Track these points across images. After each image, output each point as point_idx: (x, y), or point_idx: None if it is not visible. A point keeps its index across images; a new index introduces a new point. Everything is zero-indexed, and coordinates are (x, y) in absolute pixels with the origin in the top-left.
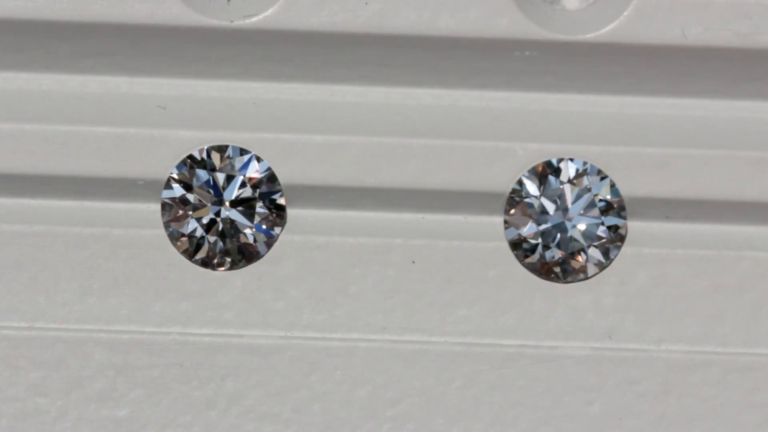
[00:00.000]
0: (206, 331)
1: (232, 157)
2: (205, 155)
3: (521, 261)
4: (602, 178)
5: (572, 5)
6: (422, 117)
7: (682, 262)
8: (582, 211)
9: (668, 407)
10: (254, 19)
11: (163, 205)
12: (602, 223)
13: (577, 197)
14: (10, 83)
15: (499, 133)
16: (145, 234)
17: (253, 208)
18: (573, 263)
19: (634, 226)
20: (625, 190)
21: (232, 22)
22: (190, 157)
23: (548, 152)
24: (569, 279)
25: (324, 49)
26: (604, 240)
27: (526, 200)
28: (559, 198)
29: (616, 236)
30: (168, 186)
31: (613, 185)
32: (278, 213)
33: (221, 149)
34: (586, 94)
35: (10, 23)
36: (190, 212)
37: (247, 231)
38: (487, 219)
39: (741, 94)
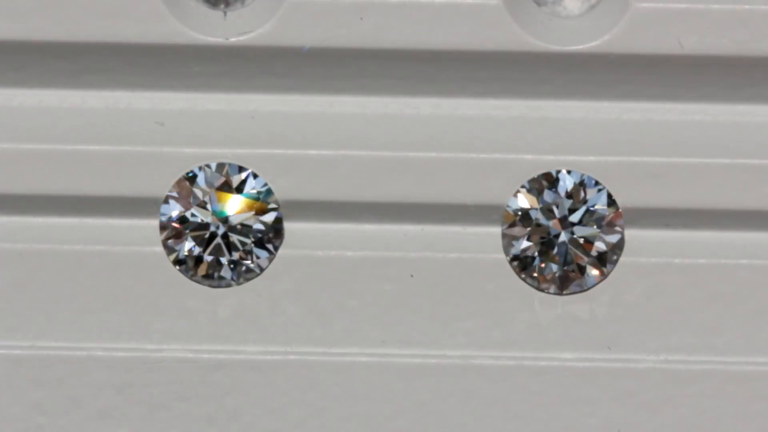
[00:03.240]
0: (205, 348)
1: (229, 174)
2: (202, 173)
3: (519, 273)
4: (599, 190)
5: (572, 4)
6: (419, 130)
7: (680, 271)
8: (579, 222)
9: (667, 418)
10: (250, 35)
11: (162, 223)
12: (600, 234)
13: (575, 209)
14: (9, 100)
15: (497, 144)
16: (144, 252)
17: (251, 224)
18: (571, 275)
19: (631, 236)
20: (622, 199)
21: (227, 39)
22: (188, 174)
23: (546, 163)
24: (567, 291)
25: (320, 64)
26: (601, 251)
27: (524, 212)
28: (556, 209)
29: (614, 247)
30: (166, 203)
31: (610, 196)
32: (276, 228)
33: (219, 167)
34: (583, 105)
35: (9, 45)
36: (188, 230)
37: (245, 247)
38: (486, 231)
39: (738, 102)
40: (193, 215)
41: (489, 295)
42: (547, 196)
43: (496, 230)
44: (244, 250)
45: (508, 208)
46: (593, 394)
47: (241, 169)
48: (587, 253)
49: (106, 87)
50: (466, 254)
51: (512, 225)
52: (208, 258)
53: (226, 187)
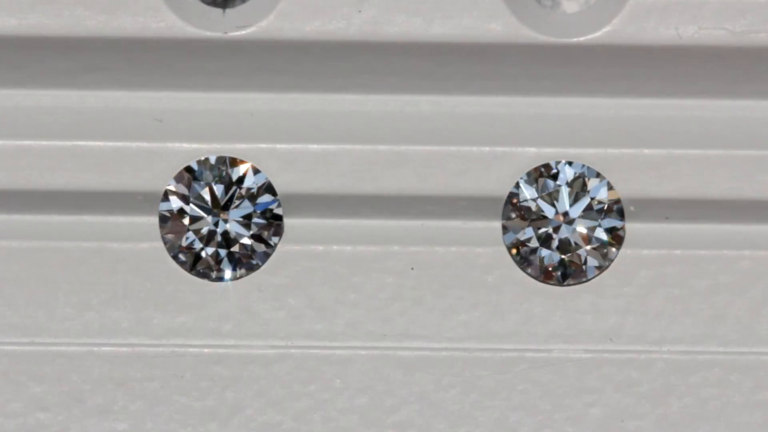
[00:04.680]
0: (206, 343)
1: (228, 169)
2: (201, 167)
3: (520, 265)
4: (600, 181)
5: (572, 8)
6: (419, 123)
7: (682, 262)
8: (580, 214)
9: (670, 408)
10: (249, 30)
11: (161, 218)
12: (601, 226)
13: (575, 200)
14: (8, 100)
15: (496, 137)
16: (143, 247)
17: (251, 218)
18: (572, 266)
19: (632, 228)
20: (623, 191)
21: (226, 33)
22: (187, 169)
23: (546, 155)
24: (568, 282)
25: (319, 58)
26: (602, 242)
27: (525, 204)
28: (557, 201)
29: (615, 238)
30: (165, 199)
31: (611, 187)
32: (276, 223)
33: (218, 161)
34: (583, 97)
35: (7, 40)
36: (188, 224)
37: (245, 242)
38: (486, 224)
39: (737, 93)
40: (192, 210)
41: (490, 287)
42: (548, 187)
43: (496, 223)
44: (243, 245)
45: (508, 200)
46: (596, 385)
47: (240, 163)
48: (588, 245)
49: (105, 86)
50: (466, 246)
51: (513, 217)
52: (207, 252)
53: (225, 181)
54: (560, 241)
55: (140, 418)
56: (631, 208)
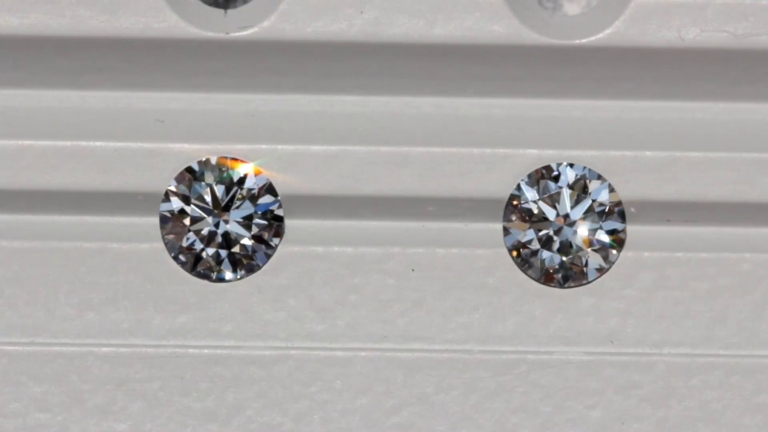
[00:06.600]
0: (206, 343)
1: (229, 169)
2: (202, 167)
3: (521, 267)
4: (601, 183)
5: (573, 10)
6: (420, 125)
7: (683, 265)
8: (581, 216)
9: (670, 411)
10: (250, 30)
11: (162, 218)
12: (602, 228)
13: (577, 202)
14: (9, 100)
15: (497, 139)
16: (143, 247)
17: (252, 219)
18: (573, 268)
19: (633, 230)
20: (624, 193)
21: (228, 33)
22: (188, 169)
23: (547, 157)
24: (569, 284)
25: (321, 59)
26: (604, 244)
27: (525, 206)
28: (558, 203)
29: (616, 240)
30: (166, 199)
31: (612, 189)
32: (277, 224)
33: (219, 161)
34: (584, 99)
35: (9, 40)
36: (189, 225)
37: (246, 242)
38: (487, 226)
39: (739, 95)
40: (193, 210)
41: (490, 289)
42: (549, 189)
43: (497, 224)
44: (243, 245)
45: (509, 202)
46: (596, 387)
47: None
48: (589, 247)
49: (106, 86)
50: (467, 248)
51: (514, 219)
52: (208, 253)
53: (226, 182)
54: (561, 243)
55: (140, 418)
56: (632, 210)
